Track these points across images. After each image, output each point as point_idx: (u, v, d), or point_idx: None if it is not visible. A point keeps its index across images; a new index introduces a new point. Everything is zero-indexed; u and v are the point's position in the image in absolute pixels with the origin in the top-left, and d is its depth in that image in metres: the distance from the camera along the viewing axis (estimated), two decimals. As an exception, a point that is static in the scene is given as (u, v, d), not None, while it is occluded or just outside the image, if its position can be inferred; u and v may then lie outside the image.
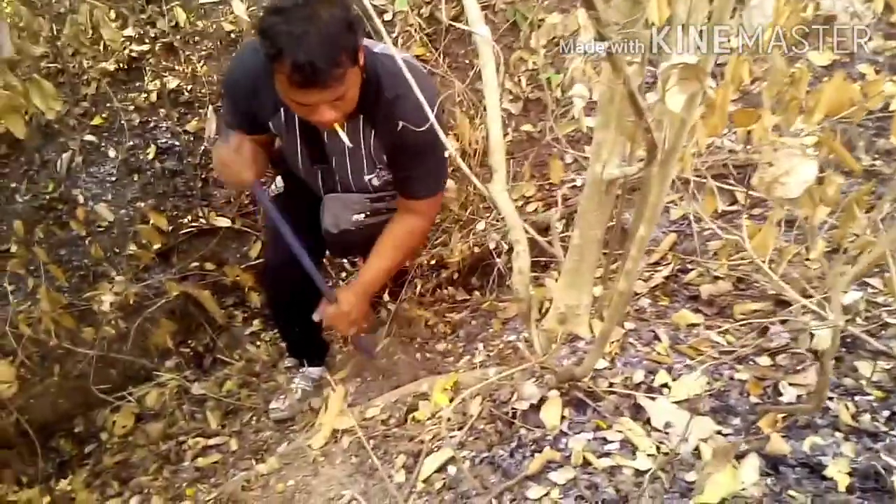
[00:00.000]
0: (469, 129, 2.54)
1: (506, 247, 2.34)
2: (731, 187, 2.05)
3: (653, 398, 1.30)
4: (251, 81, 1.66)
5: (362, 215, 1.91)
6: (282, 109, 1.70)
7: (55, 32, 2.88)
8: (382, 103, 1.63)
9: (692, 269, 1.92)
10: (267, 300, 2.25)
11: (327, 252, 2.21)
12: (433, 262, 2.67)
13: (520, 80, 2.81)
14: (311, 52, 1.38)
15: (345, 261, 3.04)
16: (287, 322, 2.22)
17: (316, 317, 1.90)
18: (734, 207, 2.17)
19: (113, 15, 3.07)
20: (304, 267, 1.85)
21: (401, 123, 1.64)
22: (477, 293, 2.49)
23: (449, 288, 2.56)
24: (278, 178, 2.05)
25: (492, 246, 2.29)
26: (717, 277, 1.84)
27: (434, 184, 1.84)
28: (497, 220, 2.49)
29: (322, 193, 1.95)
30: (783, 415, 1.24)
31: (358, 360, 2.34)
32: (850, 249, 1.67)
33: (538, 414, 1.34)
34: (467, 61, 3.00)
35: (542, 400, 1.36)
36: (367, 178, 1.85)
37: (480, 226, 2.43)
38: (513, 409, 1.37)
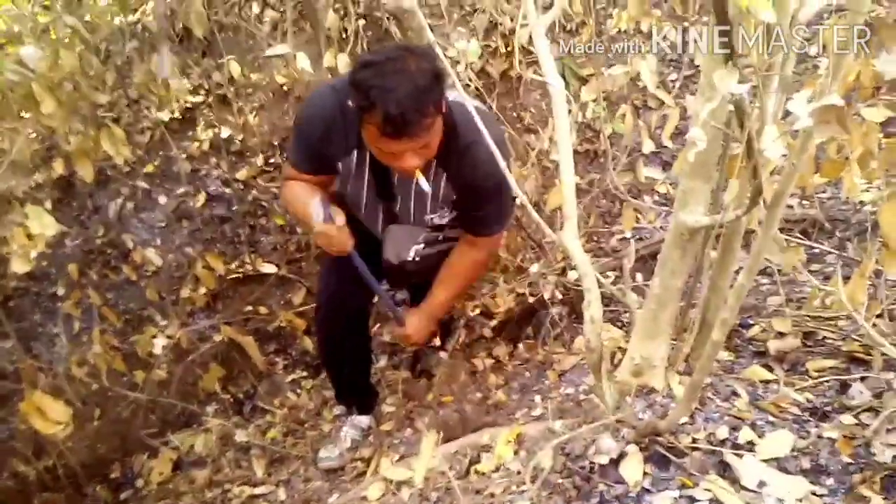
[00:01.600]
0: (521, 178, 2.56)
1: (559, 296, 2.32)
2: (796, 240, 2.02)
3: (740, 455, 1.25)
4: (326, 122, 1.71)
5: (423, 245, 1.94)
6: (354, 151, 1.75)
7: (119, 82, 2.98)
8: (458, 149, 1.68)
9: (754, 324, 1.88)
10: (319, 341, 2.24)
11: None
12: (481, 311, 2.64)
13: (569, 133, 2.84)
14: (401, 104, 1.43)
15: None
16: (339, 364, 2.21)
17: (388, 336, 1.94)
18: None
19: (172, 66, 3.17)
20: (377, 293, 1.97)
21: (475, 168, 1.68)
22: (528, 344, 2.45)
23: (499, 340, 2.53)
24: None
25: (546, 295, 2.27)
26: (781, 333, 1.80)
27: (500, 222, 1.91)
28: (547, 269, 2.47)
29: (379, 230, 1.98)
30: (881, 475, 1.19)
31: (407, 410, 2.31)
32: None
33: (617, 469, 1.29)
34: (515, 114, 3.05)
35: (621, 455, 1.31)
36: (428, 216, 1.88)
37: (533, 268, 2.41)
38: (590, 463, 1.33)
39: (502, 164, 1.33)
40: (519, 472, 1.44)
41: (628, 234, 2.67)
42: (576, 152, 2.89)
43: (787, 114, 1.00)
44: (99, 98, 2.55)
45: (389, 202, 1.89)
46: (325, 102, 1.72)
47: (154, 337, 2.45)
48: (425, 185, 1.66)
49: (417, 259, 1.96)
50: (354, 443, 2.18)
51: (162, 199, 3.27)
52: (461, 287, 2.07)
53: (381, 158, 1.64)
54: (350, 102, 1.51)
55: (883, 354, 1.45)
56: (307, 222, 1.81)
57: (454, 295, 2.08)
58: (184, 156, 3.28)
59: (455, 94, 1.69)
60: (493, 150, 1.30)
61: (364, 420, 2.26)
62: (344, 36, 3.01)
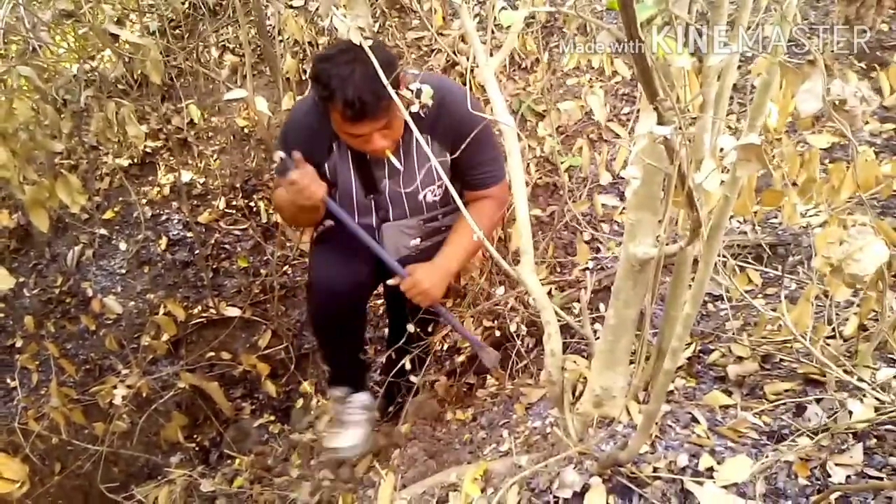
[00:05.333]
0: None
1: (524, 329, 2.33)
2: (750, 266, 2.07)
3: (700, 483, 1.26)
4: (306, 127, 1.86)
5: (419, 239, 2.02)
6: (335, 149, 1.88)
7: (76, 129, 2.97)
8: (433, 108, 1.70)
9: (714, 350, 1.91)
10: (313, 319, 2.14)
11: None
12: (449, 345, 2.64)
13: (528, 166, 2.89)
14: (358, 89, 1.59)
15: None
16: (336, 340, 2.10)
17: (392, 281, 1.94)
18: (748, 287, 2.18)
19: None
20: (373, 249, 1.92)
21: (456, 114, 1.80)
22: (493, 377, 2.45)
23: (467, 374, 2.52)
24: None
25: (512, 328, 2.28)
26: (740, 357, 1.83)
27: (500, 167, 1.96)
28: (511, 303, 2.49)
29: (375, 224, 2.02)
30: (835, 496, 1.21)
31: (376, 449, 2.28)
32: (874, 327, 1.68)
33: (582, 502, 1.29)
34: (475, 150, 3.09)
35: (585, 487, 1.31)
36: (420, 196, 1.96)
37: (499, 290, 2.43)
38: (554, 497, 1.33)
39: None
40: (485, 510, 1.43)
41: (590, 265, 2.71)
42: (536, 185, 2.94)
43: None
44: (55, 146, 2.53)
45: (378, 193, 1.96)
46: (305, 110, 1.89)
47: (114, 387, 2.39)
48: (396, 163, 1.80)
49: (419, 251, 2.01)
50: (366, 426, 2.12)
51: (122, 246, 3.24)
52: (473, 241, 1.98)
53: (351, 143, 1.77)
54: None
55: (835, 375, 1.49)
56: (286, 194, 1.84)
57: (467, 249, 2.00)
58: (144, 201, 3.26)
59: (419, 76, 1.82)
60: (465, 94, 1.48)
61: (365, 398, 2.18)
62: (303, 78, 3.04)
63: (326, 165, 1.91)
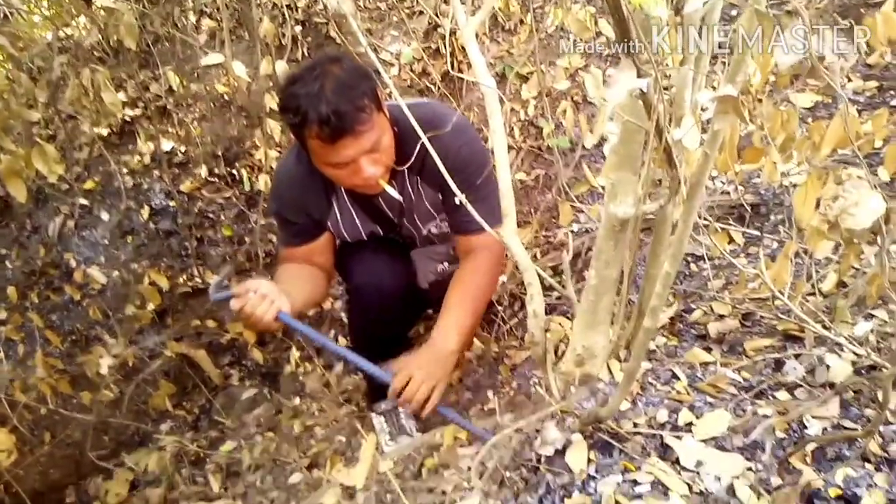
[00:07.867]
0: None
1: (509, 291, 2.34)
2: (731, 227, 2.08)
3: (679, 437, 1.28)
4: (297, 188, 1.69)
5: (446, 264, 1.89)
6: (333, 202, 1.73)
7: (52, 98, 2.90)
8: (421, 145, 1.58)
9: (696, 309, 1.93)
10: (360, 323, 2.00)
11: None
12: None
13: (512, 130, 2.87)
14: (331, 102, 1.41)
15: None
16: (384, 345, 1.91)
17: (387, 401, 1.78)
18: (731, 247, 2.20)
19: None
20: (351, 362, 1.65)
21: (443, 150, 1.48)
22: (482, 338, 2.47)
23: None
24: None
25: (494, 297, 2.29)
26: (721, 315, 1.86)
27: (491, 213, 1.62)
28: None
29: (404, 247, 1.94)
30: (812, 448, 1.24)
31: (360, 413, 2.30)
32: (852, 283, 1.71)
33: (563, 458, 1.31)
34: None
35: (567, 444, 1.34)
36: (425, 230, 1.82)
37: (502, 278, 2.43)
38: (536, 454, 1.35)
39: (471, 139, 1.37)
40: (469, 468, 1.45)
41: (574, 228, 2.72)
42: (520, 149, 2.93)
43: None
44: (31, 115, 2.48)
45: (390, 228, 1.83)
46: (291, 168, 1.71)
47: (100, 357, 2.39)
48: (394, 193, 1.60)
49: (442, 278, 1.86)
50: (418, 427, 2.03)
51: (104, 216, 3.21)
52: (473, 306, 1.75)
53: (341, 181, 1.59)
54: (288, 120, 1.50)
55: (814, 331, 1.51)
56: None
57: (467, 317, 1.73)
58: (124, 170, 3.22)
59: (406, 101, 1.67)
60: (458, 128, 1.36)
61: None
62: (282, 42, 2.99)
63: (329, 221, 1.75)
